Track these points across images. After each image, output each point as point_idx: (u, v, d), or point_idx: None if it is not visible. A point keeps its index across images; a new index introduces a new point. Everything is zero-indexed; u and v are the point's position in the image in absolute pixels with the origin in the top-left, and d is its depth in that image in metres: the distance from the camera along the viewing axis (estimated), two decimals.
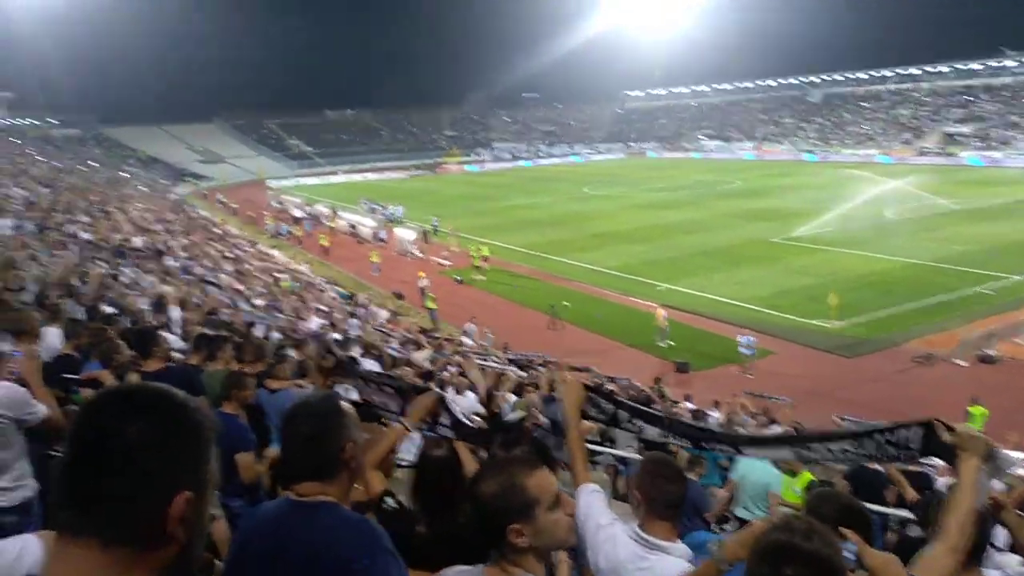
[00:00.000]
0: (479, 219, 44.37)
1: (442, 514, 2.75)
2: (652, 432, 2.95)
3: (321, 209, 48.97)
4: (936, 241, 31.13)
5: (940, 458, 2.58)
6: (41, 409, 3.57)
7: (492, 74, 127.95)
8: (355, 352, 11.63)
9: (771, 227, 36.25)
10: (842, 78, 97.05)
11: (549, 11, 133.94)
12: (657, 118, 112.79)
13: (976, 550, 2.48)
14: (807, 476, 7.38)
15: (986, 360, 18.49)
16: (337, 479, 2.01)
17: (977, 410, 13.44)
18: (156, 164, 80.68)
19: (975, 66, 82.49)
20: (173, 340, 8.48)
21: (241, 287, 21.47)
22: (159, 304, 12.20)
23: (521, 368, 15.58)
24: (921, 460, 6.28)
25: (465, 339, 21.11)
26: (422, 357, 15.41)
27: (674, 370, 19.02)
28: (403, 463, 4.15)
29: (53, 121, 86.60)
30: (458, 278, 30.27)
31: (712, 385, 16.55)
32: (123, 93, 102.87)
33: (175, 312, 11.77)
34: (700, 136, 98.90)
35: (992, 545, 3.27)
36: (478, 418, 7.93)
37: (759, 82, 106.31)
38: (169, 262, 20.92)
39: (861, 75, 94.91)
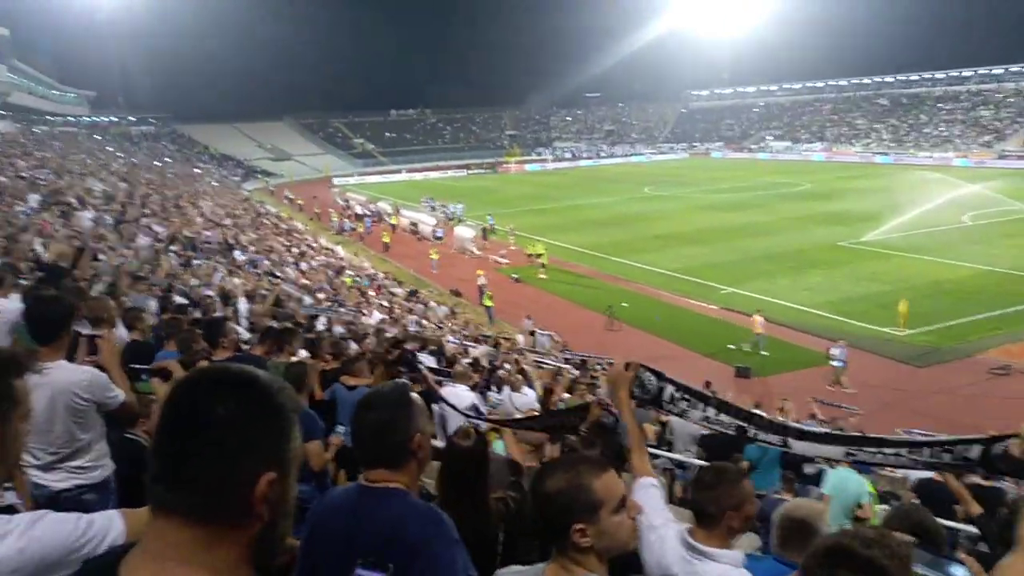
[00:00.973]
0: (539, 218, 44.39)
1: (460, 505, 2.76)
2: (696, 415, 2.88)
3: (384, 207, 49.78)
4: (1016, 248, 29.70)
5: (1011, 475, 2.48)
6: (120, 394, 3.72)
7: (554, 74, 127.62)
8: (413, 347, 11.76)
9: (840, 231, 35.18)
10: (918, 78, 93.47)
11: (615, 12, 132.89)
12: (723, 118, 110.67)
13: None
14: (869, 486, 7.15)
15: None
16: (406, 467, 2.07)
17: None
18: (227, 161, 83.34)
19: None
20: (240, 331, 8.73)
21: (306, 281, 22.00)
22: (227, 296, 12.59)
23: (576, 368, 15.52)
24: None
25: (520, 337, 21.14)
26: (480, 354, 15.51)
27: (735, 375, 18.65)
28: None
29: (131, 119, 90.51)
30: (515, 276, 30.33)
31: (774, 391, 16.12)
32: (197, 92, 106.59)
33: (242, 304, 12.12)
34: (767, 137, 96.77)
35: None
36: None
37: (830, 82, 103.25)
38: (238, 255, 21.56)
39: (939, 75, 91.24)
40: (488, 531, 2.72)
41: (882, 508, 6.82)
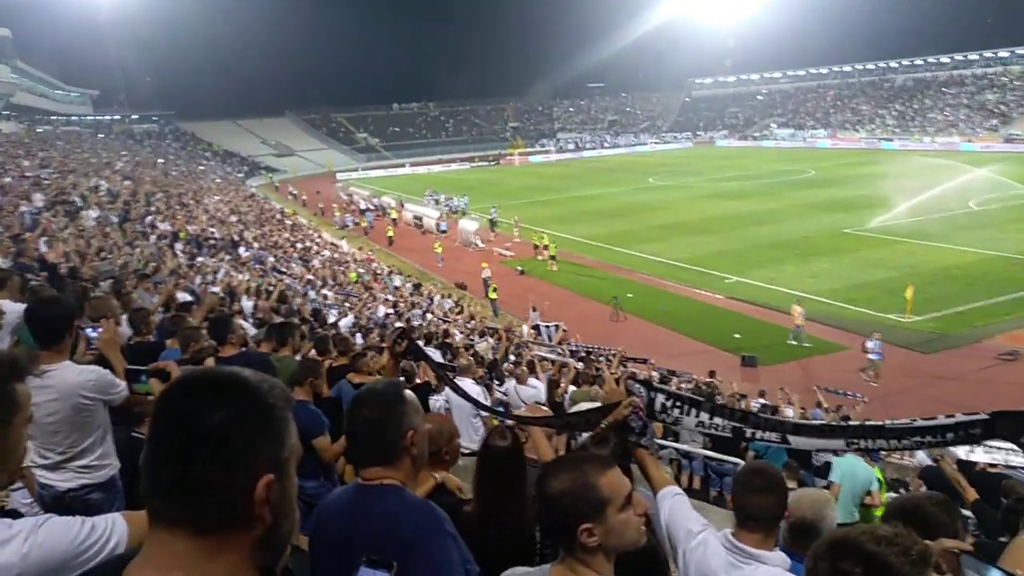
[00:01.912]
0: (544, 210, 44.33)
1: (498, 505, 2.76)
2: (690, 422, 2.90)
3: (388, 201, 49.77)
4: (1023, 232, 29.56)
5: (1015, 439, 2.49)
6: (124, 387, 3.72)
7: (557, 65, 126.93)
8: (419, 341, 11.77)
9: (846, 218, 35.03)
10: (922, 62, 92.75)
11: (615, 0, 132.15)
12: (726, 106, 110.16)
13: None
14: (877, 473, 7.16)
15: None
16: (400, 464, 2.07)
17: None
18: (231, 157, 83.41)
19: None
20: (245, 328, 8.74)
21: (310, 276, 22.03)
22: (232, 292, 12.62)
23: (581, 360, 15.50)
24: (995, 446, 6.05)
25: (525, 329, 21.12)
26: (485, 347, 15.52)
27: (740, 364, 18.60)
28: (467, 451, 4.16)
29: (134, 117, 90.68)
30: (520, 269, 30.32)
31: (780, 381, 16.07)
32: (200, 89, 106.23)
33: (247, 300, 12.14)
34: (771, 124, 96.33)
35: None
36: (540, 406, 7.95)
37: (834, 68, 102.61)
38: (242, 252, 21.60)
39: (944, 59, 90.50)
40: (527, 530, 2.71)
41: (890, 495, 6.82)
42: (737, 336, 20.36)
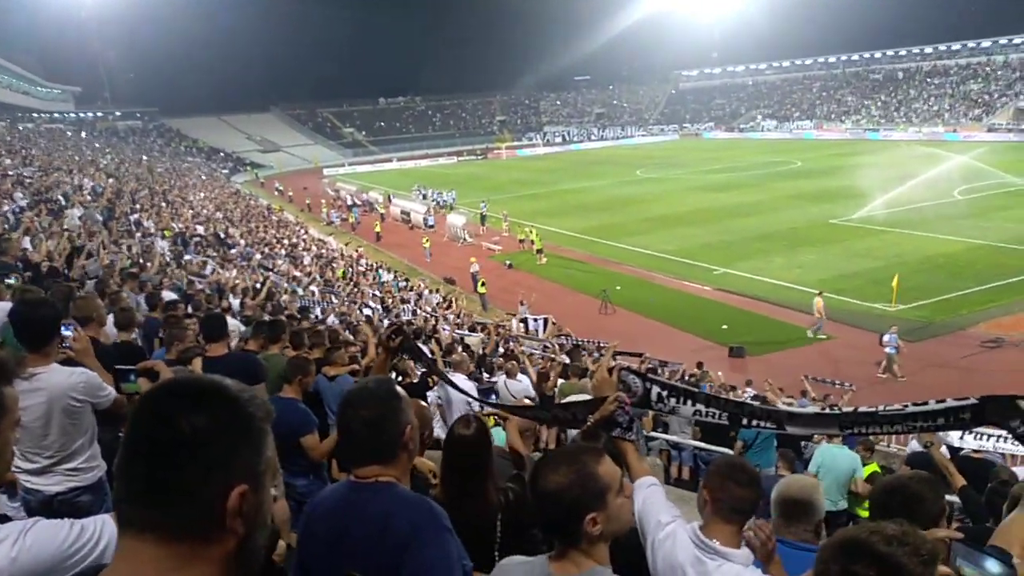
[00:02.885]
0: (532, 203, 44.29)
1: (460, 493, 2.76)
2: (686, 411, 2.92)
3: (375, 196, 49.60)
4: (1007, 221, 29.83)
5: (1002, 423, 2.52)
6: (112, 391, 3.69)
7: (543, 58, 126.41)
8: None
9: (833, 208, 35.22)
10: (906, 52, 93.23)
11: None
12: (712, 98, 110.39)
13: None
14: (873, 467, 7.22)
15: None
16: (398, 460, 2.07)
17: None
18: (216, 154, 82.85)
19: None
20: (234, 325, 8.70)
21: (297, 273, 21.95)
22: (219, 290, 12.54)
23: (568, 354, 15.52)
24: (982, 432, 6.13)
25: (514, 323, 21.13)
26: (474, 342, 15.51)
27: (728, 355, 18.70)
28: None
29: (117, 113, 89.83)
30: (509, 263, 30.31)
31: (768, 371, 16.16)
32: (183, 85, 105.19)
33: (234, 298, 12.07)
34: (758, 116, 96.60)
35: None
36: (529, 401, 7.97)
37: (819, 59, 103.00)
38: (229, 249, 21.48)
39: (928, 49, 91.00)
40: (486, 522, 2.71)
41: None
42: (725, 327, 20.46)
